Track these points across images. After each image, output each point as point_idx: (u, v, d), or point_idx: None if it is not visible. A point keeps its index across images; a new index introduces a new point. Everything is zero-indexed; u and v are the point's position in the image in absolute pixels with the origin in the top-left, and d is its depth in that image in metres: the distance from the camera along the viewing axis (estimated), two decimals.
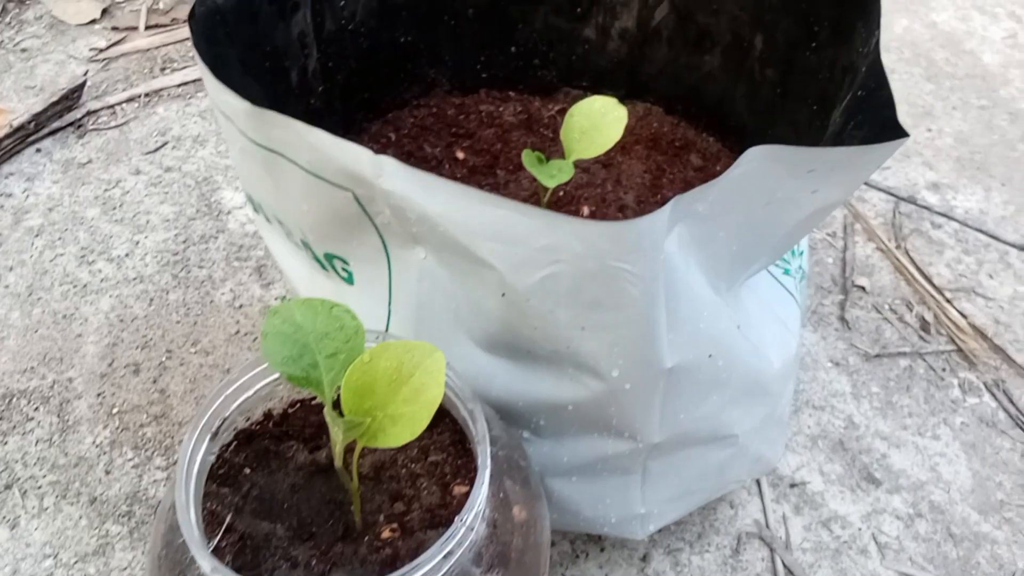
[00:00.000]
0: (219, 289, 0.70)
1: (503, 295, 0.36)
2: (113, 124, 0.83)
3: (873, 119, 0.40)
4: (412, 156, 0.62)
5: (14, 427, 0.61)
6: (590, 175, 0.62)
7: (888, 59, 0.98)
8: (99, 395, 0.63)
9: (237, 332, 0.68)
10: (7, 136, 0.78)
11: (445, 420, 0.38)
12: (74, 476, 0.58)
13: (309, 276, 0.49)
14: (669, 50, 0.60)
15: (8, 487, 0.58)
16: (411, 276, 0.41)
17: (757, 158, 0.35)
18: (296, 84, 0.53)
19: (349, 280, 0.46)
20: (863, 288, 0.73)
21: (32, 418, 0.62)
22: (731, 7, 0.54)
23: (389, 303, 0.44)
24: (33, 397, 0.63)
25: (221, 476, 0.36)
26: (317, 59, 0.55)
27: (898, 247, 0.76)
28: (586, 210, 0.59)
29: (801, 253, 0.56)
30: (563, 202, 0.60)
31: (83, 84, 0.83)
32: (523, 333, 0.38)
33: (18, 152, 0.79)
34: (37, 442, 0.60)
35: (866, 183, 0.82)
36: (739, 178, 0.35)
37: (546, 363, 0.40)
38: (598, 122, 0.52)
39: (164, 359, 0.66)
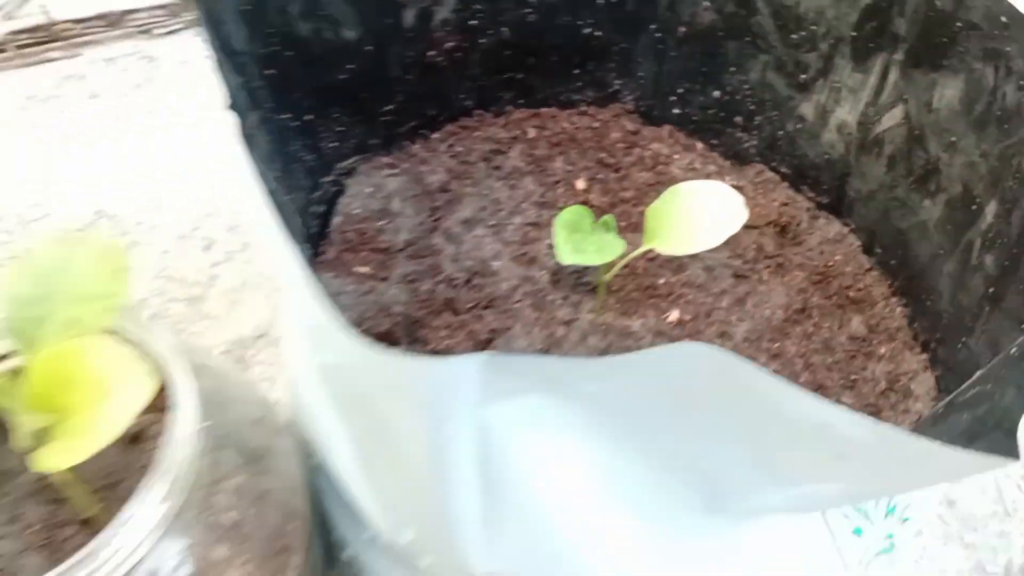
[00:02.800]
0: None
1: (311, 358, 0.26)
2: None
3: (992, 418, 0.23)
4: (536, 163, 0.52)
5: None
6: (712, 276, 0.47)
7: None
8: (165, 252, 0.63)
9: None
10: None
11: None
12: None
13: None
14: (887, 172, 0.43)
15: None
16: None
17: (710, 362, 0.21)
18: (411, 27, 0.46)
19: None
20: None
21: None
22: (971, 146, 0.36)
23: None
24: (117, 225, 0.64)
25: None
26: (454, 10, 0.47)
27: None
28: (675, 314, 0.46)
29: (905, 520, 0.38)
30: (654, 293, 0.46)
31: None
32: (341, 418, 0.28)
33: None
34: None
35: None
36: (671, 376, 0.22)
37: (366, 471, 0.29)
38: (704, 216, 0.39)
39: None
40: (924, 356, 0.43)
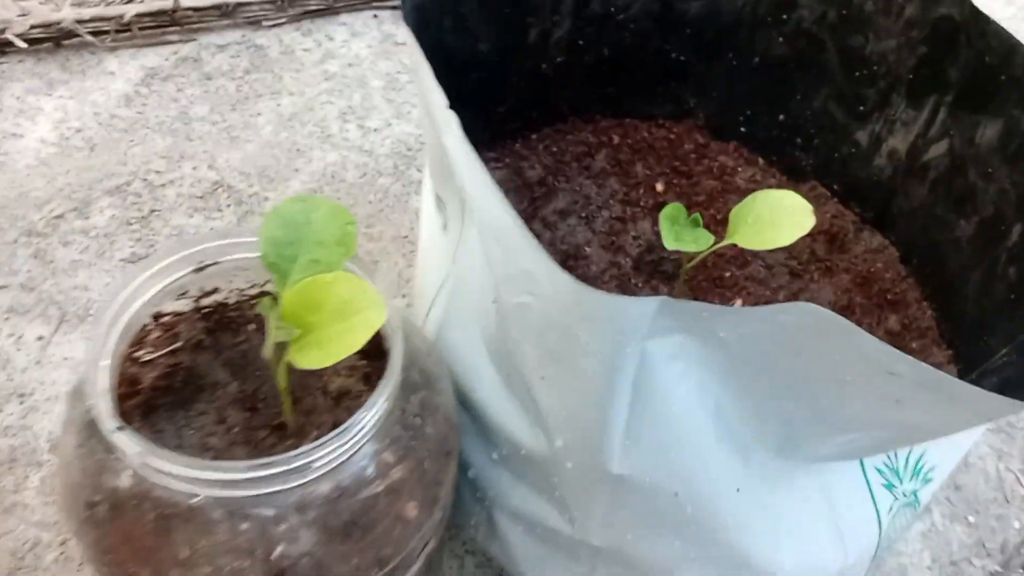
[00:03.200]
0: (416, 197, 0.74)
1: (494, 302, 0.34)
2: None
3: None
4: (620, 166, 0.60)
5: (206, 209, 0.71)
6: (771, 273, 0.55)
7: None
8: None
9: (406, 236, 0.71)
10: None
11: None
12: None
13: (428, 213, 0.50)
14: (929, 194, 0.51)
15: None
16: (466, 249, 0.40)
17: (816, 318, 0.29)
18: (532, 43, 0.54)
19: (444, 227, 0.46)
20: None
21: (221, 210, 0.71)
22: (1004, 177, 0.44)
23: (452, 262, 0.43)
24: (233, 195, 0.72)
25: (156, 339, 0.38)
26: (568, 30, 0.55)
27: None
28: (739, 301, 0.53)
29: (928, 480, 0.46)
30: (721, 284, 0.54)
31: None
32: (505, 352, 0.36)
33: (359, 10, 0.89)
34: (211, 230, 0.69)
35: None
36: (784, 327, 0.30)
37: (519, 395, 0.37)
38: (778, 219, 0.46)
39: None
40: (949, 351, 0.51)
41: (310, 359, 0.32)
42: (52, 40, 0.80)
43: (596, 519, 0.37)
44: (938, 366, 0.51)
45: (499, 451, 0.41)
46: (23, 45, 0.77)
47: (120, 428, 0.30)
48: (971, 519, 0.61)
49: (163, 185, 0.72)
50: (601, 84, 0.60)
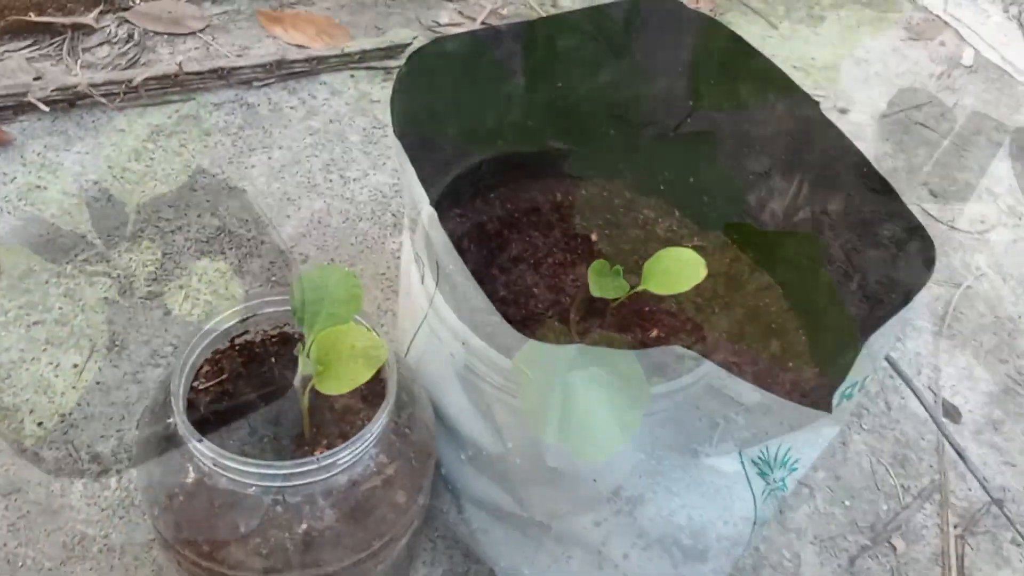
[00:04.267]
0: (391, 239, 0.87)
1: (463, 344, 0.47)
2: None
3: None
4: (562, 219, 0.74)
5: (211, 252, 0.83)
6: (681, 307, 0.69)
7: None
8: (272, 263, 0.83)
9: (383, 274, 0.84)
10: (336, 56, 1.00)
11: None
12: (220, 307, 0.78)
13: (406, 266, 0.63)
14: (800, 246, 0.66)
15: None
16: (440, 299, 0.53)
17: (677, 356, 0.42)
18: (490, 127, 0.67)
19: (422, 279, 0.59)
20: (894, 548, 0.73)
21: (224, 253, 0.83)
22: (848, 237, 0.59)
23: (429, 306, 0.56)
24: (233, 240, 0.84)
25: (207, 372, 0.50)
26: (519, 115, 0.68)
27: (960, 538, 0.74)
28: (655, 332, 0.67)
29: (793, 469, 0.60)
30: (642, 317, 0.68)
31: (407, 45, 1.04)
32: (471, 380, 0.49)
33: (337, 71, 1.02)
34: (216, 270, 0.81)
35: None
36: (657, 363, 0.43)
37: (482, 411, 0.50)
38: (679, 270, 0.60)
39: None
40: (816, 370, 0.65)
41: (331, 387, 0.45)
42: (67, 101, 0.91)
43: (538, 501, 0.50)
44: (807, 381, 0.65)
45: (466, 453, 0.54)
46: (45, 109, 0.88)
47: (200, 440, 0.42)
48: (847, 503, 0.76)
49: (172, 232, 0.84)
50: (547, 151, 0.73)
